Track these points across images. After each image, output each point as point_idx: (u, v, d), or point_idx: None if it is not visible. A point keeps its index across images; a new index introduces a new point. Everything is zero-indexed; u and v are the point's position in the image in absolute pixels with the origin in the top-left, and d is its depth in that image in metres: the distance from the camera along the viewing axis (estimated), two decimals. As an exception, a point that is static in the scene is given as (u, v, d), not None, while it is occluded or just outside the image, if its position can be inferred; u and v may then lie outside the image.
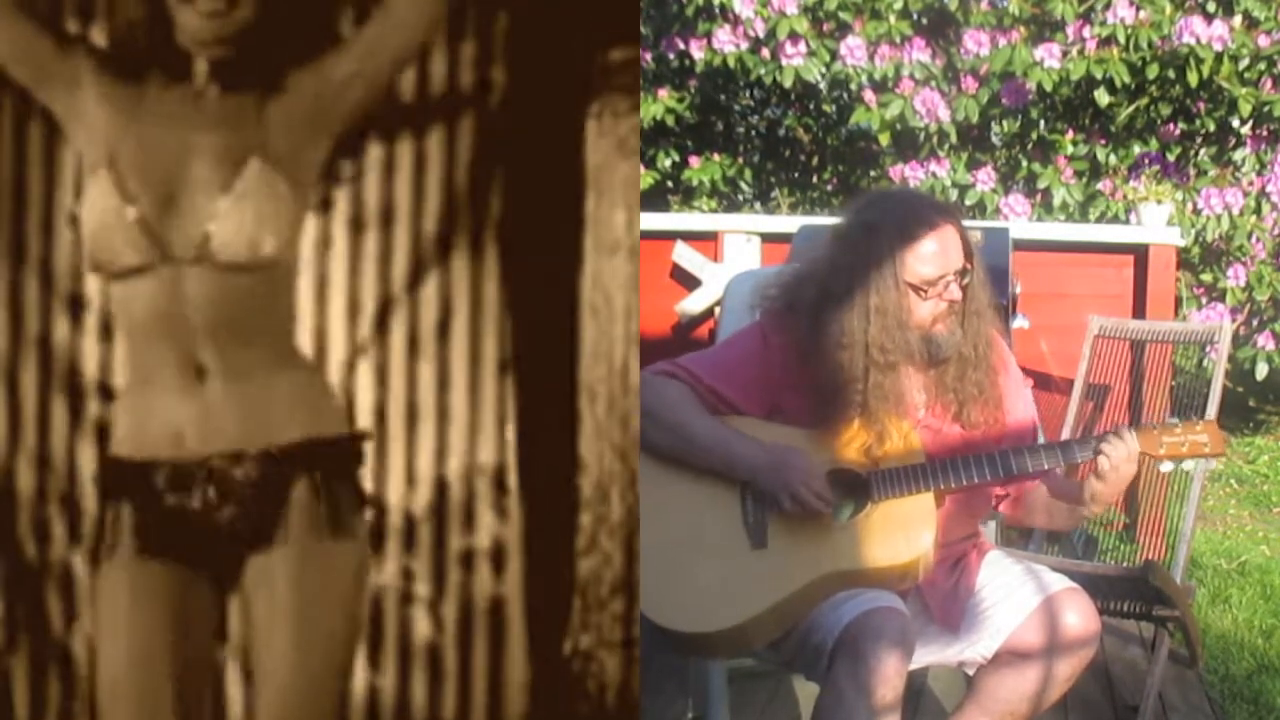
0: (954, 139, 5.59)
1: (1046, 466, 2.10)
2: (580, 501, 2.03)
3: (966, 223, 2.16)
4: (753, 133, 7.43)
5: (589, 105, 2.00)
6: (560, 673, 2.01)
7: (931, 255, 2.07)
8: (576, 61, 2.00)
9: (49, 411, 1.99)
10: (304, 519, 1.69)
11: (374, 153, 1.97)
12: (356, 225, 1.98)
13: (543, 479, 2.02)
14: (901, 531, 2.04)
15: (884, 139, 5.66)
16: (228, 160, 1.67)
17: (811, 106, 7.14)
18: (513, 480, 2.01)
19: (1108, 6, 5.31)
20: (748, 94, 7.31)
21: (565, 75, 2.00)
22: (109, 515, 1.71)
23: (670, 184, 6.69)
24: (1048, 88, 5.35)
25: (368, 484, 1.86)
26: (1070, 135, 5.70)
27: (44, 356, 1.99)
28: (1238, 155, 5.63)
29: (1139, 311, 4.42)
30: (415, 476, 2.00)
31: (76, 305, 1.99)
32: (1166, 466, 2.12)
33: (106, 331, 2.00)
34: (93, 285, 1.98)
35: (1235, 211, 5.12)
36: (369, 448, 1.90)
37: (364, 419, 1.96)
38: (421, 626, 2.00)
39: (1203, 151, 5.96)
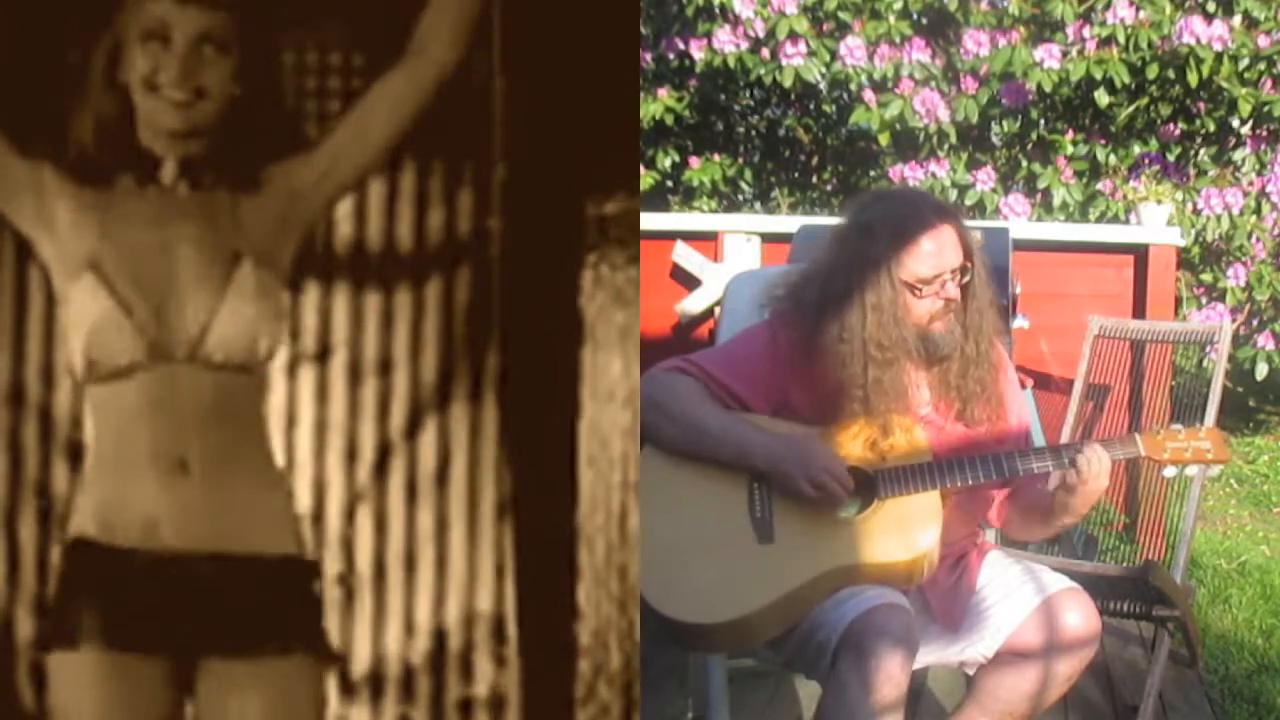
0: (954, 139, 5.59)
1: (1052, 468, 2.11)
2: (578, 650, 2.04)
3: (966, 223, 2.17)
4: (753, 133, 7.43)
5: (586, 256, 2.03)
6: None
7: (927, 254, 2.08)
8: (573, 213, 2.03)
9: (47, 559, 1.98)
10: (269, 632, 1.69)
11: (372, 301, 1.98)
12: (354, 373, 2.00)
13: (541, 627, 2.03)
14: (907, 529, 2.05)
15: (884, 139, 5.66)
16: (213, 259, 1.66)
17: (811, 106, 7.14)
18: (511, 629, 2.01)
19: (1108, 7, 5.31)
20: (748, 94, 7.31)
21: (562, 226, 2.02)
22: (72, 599, 1.68)
23: (670, 184, 6.69)
24: (1048, 88, 5.35)
25: (366, 630, 1.88)
26: (1070, 135, 5.70)
27: (42, 506, 1.96)
28: (1238, 155, 5.63)
29: (1139, 311, 4.42)
30: (414, 625, 2.00)
31: (75, 451, 1.99)
32: (1170, 471, 2.12)
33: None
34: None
35: (1235, 211, 5.12)
36: (368, 595, 1.92)
37: (363, 566, 1.96)
38: None
39: (1203, 151, 5.96)
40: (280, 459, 1.85)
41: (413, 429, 2.00)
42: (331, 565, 1.93)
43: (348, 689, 1.91)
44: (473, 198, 1.98)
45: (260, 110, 1.68)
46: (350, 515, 1.97)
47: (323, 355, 1.94)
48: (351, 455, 2.00)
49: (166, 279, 1.67)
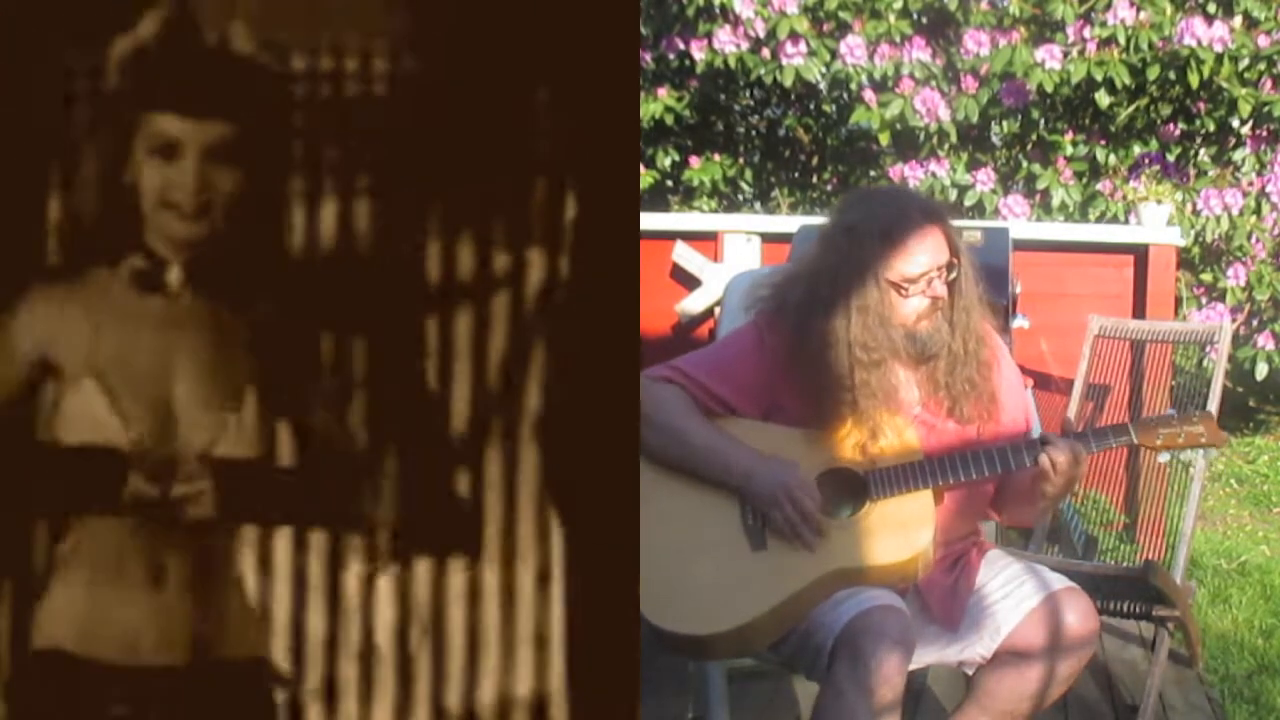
0: (954, 139, 5.58)
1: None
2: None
3: (967, 223, 2.17)
4: (753, 133, 7.42)
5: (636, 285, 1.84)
6: None
7: (912, 253, 2.08)
8: (617, 238, 1.83)
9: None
10: None
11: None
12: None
13: (591, 707, 1.73)
14: (901, 530, 2.05)
15: (884, 139, 5.66)
16: (218, 375, 1.59)
17: (811, 106, 7.13)
18: (557, 712, 1.73)
19: (1108, 7, 5.31)
20: (748, 94, 7.30)
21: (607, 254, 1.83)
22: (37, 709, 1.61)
23: (670, 184, 6.68)
24: (1048, 88, 5.35)
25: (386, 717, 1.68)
26: (1070, 136, 5.69)
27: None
28: (1238, 155, 5.62)
29: (1139, 311, 4.42)
30: (444, 709, 1.72)
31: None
32: (1164, 457, 2.13)
33: None
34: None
35: (1235, 212, 5.12)
36: (388, 672, 1.70)
37: (383, 639, 1.71)
38: None
39: (1203, 152, 5.96)
40: None
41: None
42: (350, 640, 1.71)
43: None
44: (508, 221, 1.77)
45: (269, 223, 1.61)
46: (370, 583, 1.72)
47: None
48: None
49: (168, 393, 1.59)
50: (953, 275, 2.11)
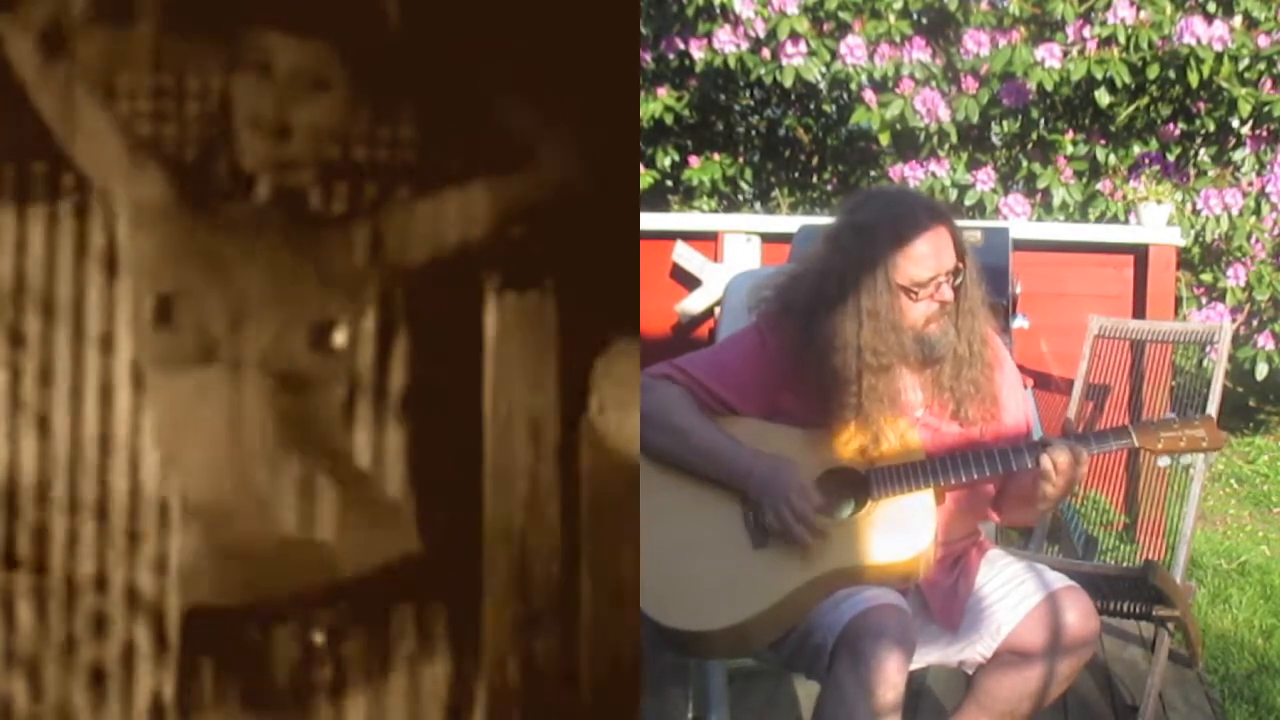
0: (954, 139, 5.59)
1: None
2: (481, 666, 1.98)
3: (967, 223, 2.16)
4: (753, 133, 7.43)
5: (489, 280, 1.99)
6: None
7: (922, 257, 2.07)
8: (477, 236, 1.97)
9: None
10: None
11: None
12: None
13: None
14: (901, 529, 2.05)
15: (884, 139, 5.66)
16: (282, 283, 1.67)
17: (811, 106, 7.14)
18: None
19: (1108, 7, 5.31)
20: (748, 94, 7.31)
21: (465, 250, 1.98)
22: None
23: (670, 184, 6.68)
24: (1048, 88, 5.35)
25: None
26: (1070, 135, 5.70)
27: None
28: (1238, 155, 5.63)
29: (1139, 311, 4.42)
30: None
31: None
32: (1164, 461, 2.12)
33: (10, 498, 1.95)
34: None
35: (1235, 212, 5.12)
36: None
37: None
38: None
39: (1203, 151, 5.96)
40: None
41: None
42: None
43: None
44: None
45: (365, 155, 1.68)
46: None
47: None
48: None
49: (238, 290, 1.67)
50: (959, 279, 2.10)
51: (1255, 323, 5.33)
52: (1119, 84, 5.31)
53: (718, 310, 4.22)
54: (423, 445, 1.93)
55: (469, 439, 1.98)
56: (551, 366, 1.98)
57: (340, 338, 1.67)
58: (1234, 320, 5.16)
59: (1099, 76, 5.28)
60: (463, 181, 1.79)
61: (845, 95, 6.55)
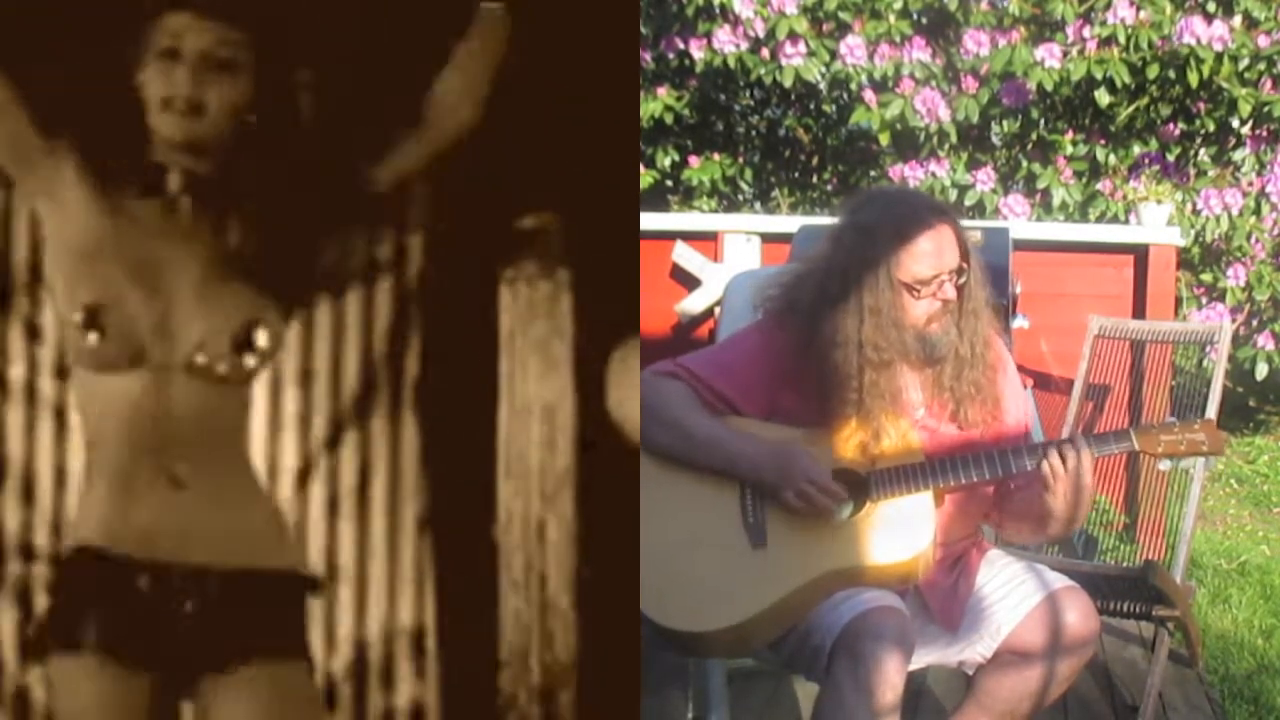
0: (954, 139, 5.58)
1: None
2: (498, 661, 2.08)
3: (966, 223, 2.16)
4: (752, 133, 7.42)
5: (503, 271, 2.09)
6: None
7: (925, 255, 2.07)
8: (491, 228, 2.06)
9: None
10: (266, 646, 1.70)
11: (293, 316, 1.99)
12: (275, 388, 2.03)
13: (461, 640, 2.07)
14: (901, 530, 2.05)
15: (884, 139, 5.66)
16: (210, 275, 1.69)
17: (811, 106, 7.14)
18: (431, 642, 2.07)
19: (1108, 7, 5.31)
20: (747, 94, 7.31)
21: (480, 242, 2.06)
22: (69, 608, 1.69)
23: (670, 183, 6.68)
24: (1048, 88, 5.35)
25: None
26: (1070, 135, 5.69)
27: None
28: (1237, 155, 5.63)
29: (1139, 311, 4.42)
30: (335, 637, 2.04)
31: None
32: (1165, 465, 2.12)
33: (27, 493, 2.02)
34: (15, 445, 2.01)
35: (1235, 212, 5.12)
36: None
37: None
38: None
39: (1202, 151, 5.96)
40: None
41: (333, 443, 2.03)
42: None
43: None
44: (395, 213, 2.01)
45: (271, 139, 1.70)
46: None
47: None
48: (273, 469, 2.03)
49: (160, 288, 1.69)
50: (962, 279, 2.10)
51: (1255, 323, 5.32)
52: (1119, 84, 5.31)
53: (718, 310, 4.22)
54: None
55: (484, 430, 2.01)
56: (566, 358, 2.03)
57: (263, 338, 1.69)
58: (1234, 320, 5.15)
59: (1099, 76, 5.28)
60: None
61: (845, 95, 6.54)
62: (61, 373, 2.00)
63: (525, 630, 2.08)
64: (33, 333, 2.01)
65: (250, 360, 1.68)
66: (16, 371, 2.01)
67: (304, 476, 2.03)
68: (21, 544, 2.02)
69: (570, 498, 2.11)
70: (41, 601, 1.96)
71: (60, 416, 2.01)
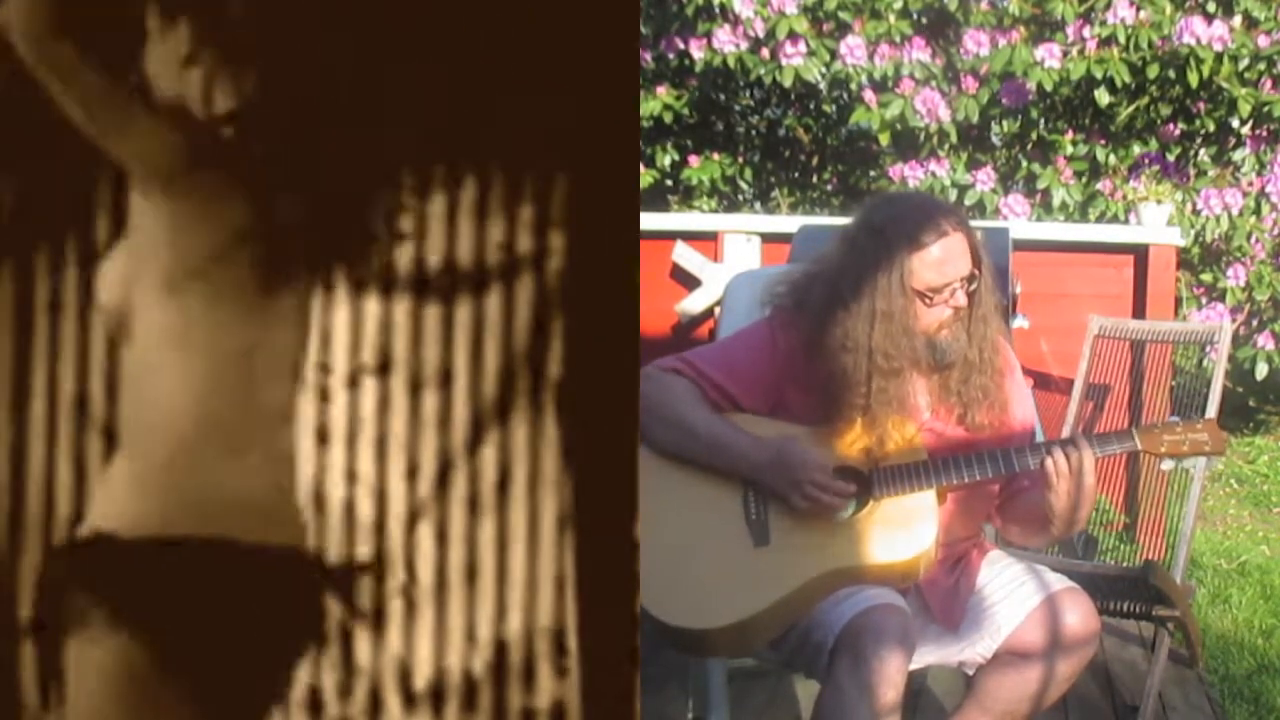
0: (954, 139, 5.59)
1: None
2: (637, 660, 2.04)
3: (973, 231, 2.15)
4: (752, 132, 7.42)
5: (638, 267, 2.07)
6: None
7: (939, 262, 2.06)
8: (629, 225, 2.05)
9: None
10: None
11: (432, 314, 1.99)
12: (415, 386, 2.01)
13: (601, 639, 2.05)
14: (903, 529, 2.05)
15: (884, 139, 5.66)
16: None
17: (811, 106, 7.14)
18: (572, 641, 2.03)
19: (1108, 6, 5.31)
20: (747, 94, 7.31)
21: (620, 238, 2.05)
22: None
23: (670, 183, 6.68)
24: (1048, 88, 5.35)
25: (428, 641, 1.94)
26: (1070, 135, 5.70)
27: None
28: (1237, 155, 5.63)
29: (1139, 311, 4.42)
30: (475, 636, 2.02)
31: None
32: (1167, 464, 2.12)
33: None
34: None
35: (1235, 212, 5.12)
36: (429, 607, 1.97)
37: (425, 578, 2.00)
38: None
39: (1202, 151, 5.96)
40: (342, 473, 1.88)
41: (474, 442, 2.01)
42: (394, 577, 1.94)
43: (409, 700, 1.93)
44: (533, 212, 1.99)
45: None
46: (412, 528, 1.98)
47: (384, 368, 1.95)
48: (413, 469, 2.01)
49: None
50: (974, 285, 2.10)
51: (1255, 323, 5.33)
52: (1119, 84, 5.31)
53: (718, 310, 4.22)
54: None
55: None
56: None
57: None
58: (1234, 320, 5.16)
59: (1099, 76, 5.28)
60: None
61: (845, 95, 6.55)
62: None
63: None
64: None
65: None
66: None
67: (444, 476, 2.00)
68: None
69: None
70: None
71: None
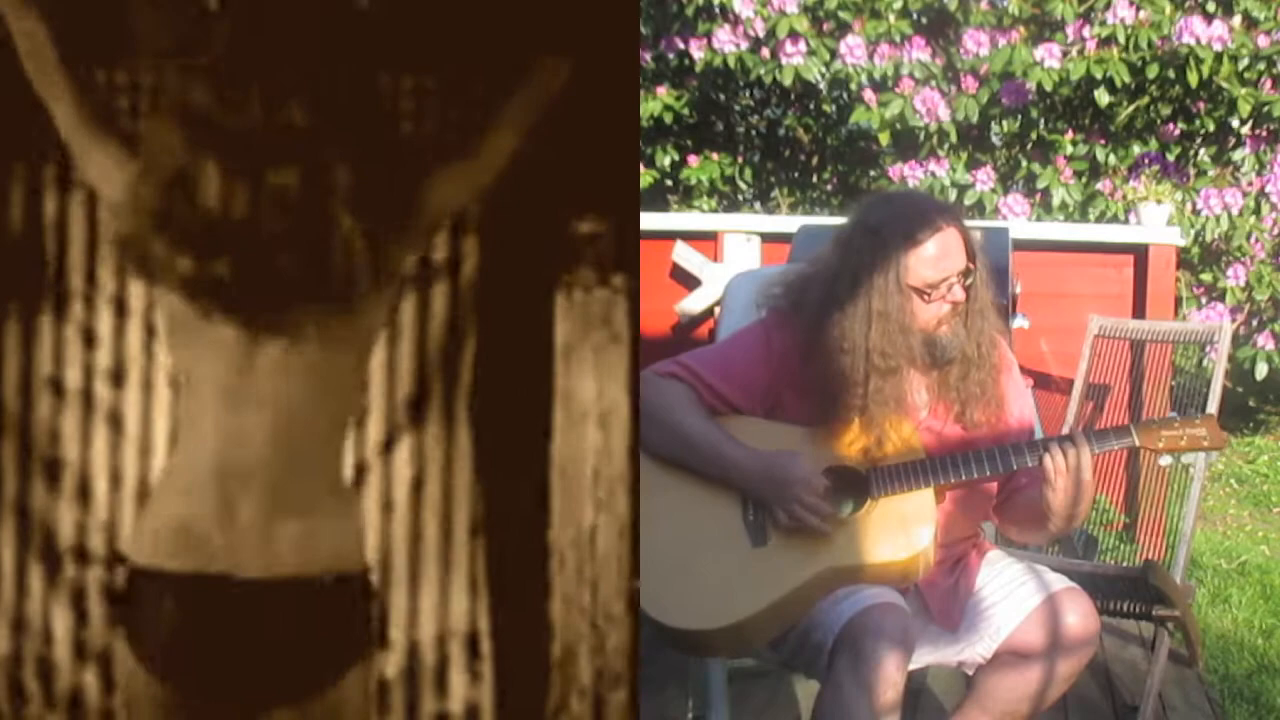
0: (954, 139, 5.58)
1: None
2: (550, 665, 2.11)
3: (967, 223, 2.16)
4: (752, 132, 7.42)
5: (559, 278, 2.11)
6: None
7: (934, 258, 2.07)
8: (546, 235, 2.10)
9: (26, 576, 2.05)
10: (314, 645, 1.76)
11: None
12: None
13: (515, 643, 2.09)
14: (901, 528, 2.05)
15: (884, 138, 5.66)
16: None
17: (811, 106, 7.14)
18: (485, 645, 2.08)
19: (1108, 6, 5.31)
20: (747, 93, 7.31)
21: (535, 248, 2.10)
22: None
23: (670, 183, 6.68)
24: (1048, 87, 5.35)
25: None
26: (1070, 135, 5.69)
27: (21, 522, 2.04)
28: (1237, 155, 5.63)
29: (1139, 311, 4.42)
30: (388, 640, 2.05)
31: (54, 468, 2.05)
32: (1165, 460, 2.12)
33: (83, 492, 2.05)
34: (71, 449, 2.05)
35: (1235, 211, 5.11)
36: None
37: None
38: None
39: (1202, 151, 5.96)
40: None
41: (388, 446, 2.05)
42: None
43: None
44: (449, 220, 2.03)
45: None
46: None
47: None
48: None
49: None
50: (970, 280, 2.10)
51: (1255, 323, 5.32)
52: (1119, 84, 5.31)
53: (718, 310, 4.22)
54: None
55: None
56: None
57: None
58: (1234, 320, 5.15)
59: (1099, 76, 5.28)
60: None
61: (845, 95, 6.55)
62: (118, 378, 2.02)
63: (577, 635, 2.10)
64: (89, 339, 2.04)
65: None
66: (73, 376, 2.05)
67: (359, 480, 2.06)
68: (76, 546, 2.05)
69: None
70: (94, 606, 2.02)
71: (116, 422, 2.03)
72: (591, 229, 2.11)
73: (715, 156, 6.37)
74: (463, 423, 2.07)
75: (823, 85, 6.34)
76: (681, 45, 5.99)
